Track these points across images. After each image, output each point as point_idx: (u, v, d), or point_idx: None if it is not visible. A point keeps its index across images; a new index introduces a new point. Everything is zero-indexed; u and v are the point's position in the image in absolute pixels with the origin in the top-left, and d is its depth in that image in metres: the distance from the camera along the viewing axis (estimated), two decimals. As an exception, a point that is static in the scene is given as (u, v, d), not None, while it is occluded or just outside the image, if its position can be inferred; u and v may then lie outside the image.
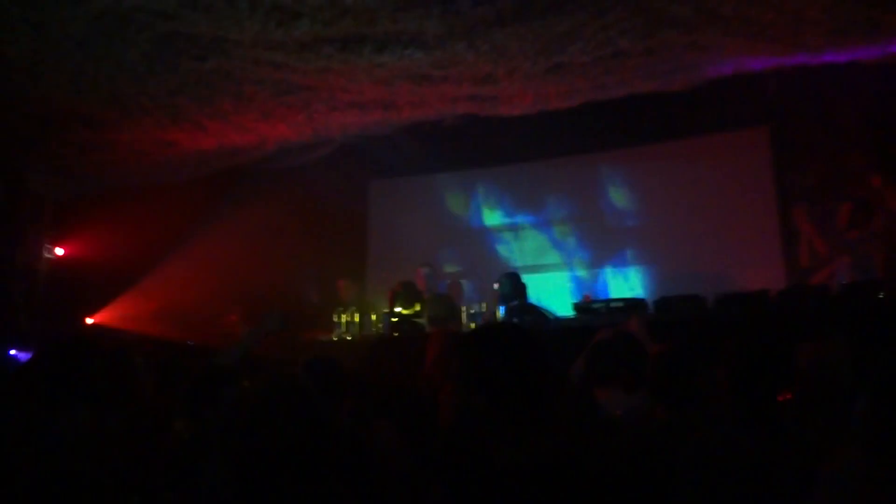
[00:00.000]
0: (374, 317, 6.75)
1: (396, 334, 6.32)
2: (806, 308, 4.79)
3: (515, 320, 5.71)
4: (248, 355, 3.60)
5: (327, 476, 1.82)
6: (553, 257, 8.32)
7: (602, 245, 8.13)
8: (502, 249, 8.53)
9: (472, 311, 6.37)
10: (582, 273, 8.16)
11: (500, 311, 6.09)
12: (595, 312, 5.36)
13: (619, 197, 8.11)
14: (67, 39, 4.75)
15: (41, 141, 6.52)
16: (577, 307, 5.65)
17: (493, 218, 8.74)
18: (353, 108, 6.26)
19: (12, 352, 6.46)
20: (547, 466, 1.75)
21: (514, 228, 8.58)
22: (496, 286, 6.28)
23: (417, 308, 6.89)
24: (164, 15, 4.51)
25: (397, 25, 4.73)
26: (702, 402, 2.73)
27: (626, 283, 7.90)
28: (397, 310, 6.84)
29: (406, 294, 6.98)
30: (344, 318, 6.66)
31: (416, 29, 4.78)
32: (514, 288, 6.12)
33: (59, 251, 8.18)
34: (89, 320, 8.04)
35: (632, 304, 5.25)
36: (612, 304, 5.39)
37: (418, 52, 5.05)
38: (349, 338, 6.53)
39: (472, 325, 6.22)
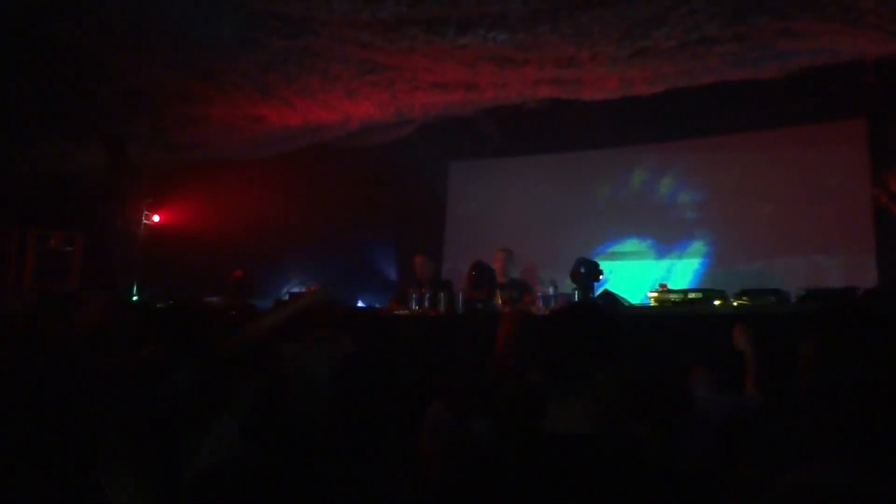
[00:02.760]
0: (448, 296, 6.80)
1: (471, 313, 6.36)
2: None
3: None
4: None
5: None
6: (630, 246, 8.21)
7: (677, 236, 7.95)
8: (580, 235, 8.45)
9: (547, 295, 6.35)
10: (655, 263, 8.02)
11: (575, 297, 6.08)
12: (672, 302, 5.29)
13: (698, 187, 7.91)
14: (165, 17, 5.00)
15: (140, 113, 6.88)
16: (654, 296, 5.58)
17: (573, 203, 8.66)
18: (435, 88, 6.33)
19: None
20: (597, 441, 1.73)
21: (593, 215, 8.49)
22: (572, 271, 6.26)
23: (492, 290, 6.90)
24: (257, -6, 4.70)
25: (481, 7, 4.76)
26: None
27: (699, 275, 7.72)
28: (473, 290, 6.87)
29: (481, 276, 7.01)
30: (418, 294, 6.73)
31: (499, 11, 4.80)
32: (590, 274, 6.10)
33: (156, 218, 8.63)
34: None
35: (710, 295, 5.14)
36: (690, 295, 5.30)
37: (501, 34, 5.06)
38: (422, 314, 6.61)
39: (545, 309, 6.22)
